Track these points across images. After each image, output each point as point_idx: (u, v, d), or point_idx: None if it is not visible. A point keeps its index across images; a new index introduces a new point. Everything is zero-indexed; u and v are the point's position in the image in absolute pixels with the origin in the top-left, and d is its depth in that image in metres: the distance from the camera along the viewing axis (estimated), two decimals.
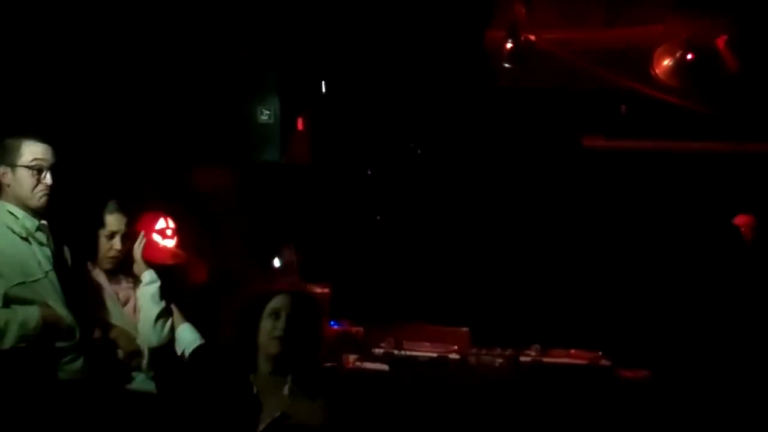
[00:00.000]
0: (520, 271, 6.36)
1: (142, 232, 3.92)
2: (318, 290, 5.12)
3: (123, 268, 3.81)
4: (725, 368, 5.03)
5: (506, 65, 5.12)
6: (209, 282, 5.34)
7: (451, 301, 6.04)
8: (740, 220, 5.37)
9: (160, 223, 5.45)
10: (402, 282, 6.23)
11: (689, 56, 4.97)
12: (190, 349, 3.94)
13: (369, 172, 6.17)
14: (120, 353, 3.65)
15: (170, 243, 5.43)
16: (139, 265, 3.82)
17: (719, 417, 4.81)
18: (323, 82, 5.42)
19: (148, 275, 3.81)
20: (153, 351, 3.71)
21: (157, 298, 3.78)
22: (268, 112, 5.11)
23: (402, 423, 4.78)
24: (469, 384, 5.17)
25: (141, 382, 3.73)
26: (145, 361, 3.71)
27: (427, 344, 5.50)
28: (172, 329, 3.82)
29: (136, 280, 3.82)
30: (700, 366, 5.09)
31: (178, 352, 3.92)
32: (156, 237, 5.36)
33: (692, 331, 5.39)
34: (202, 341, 3.99)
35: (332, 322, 5.55)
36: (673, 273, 5.94)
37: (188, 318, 4.06)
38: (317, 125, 5.57)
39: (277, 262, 5.65)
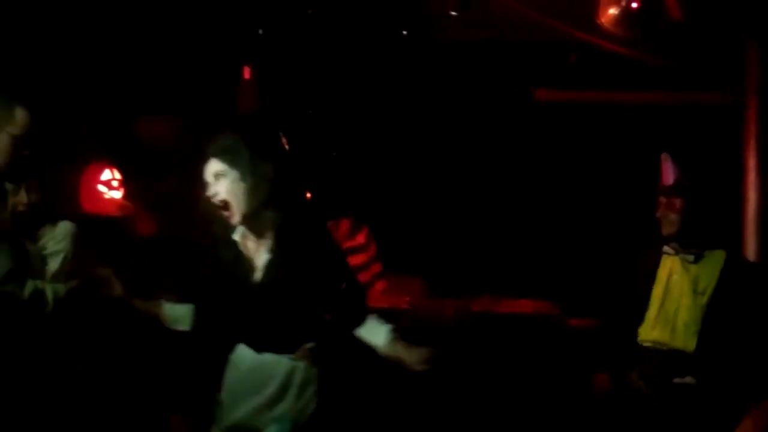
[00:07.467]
0: (474, 222, 6.38)
1: None
2: None
3: None
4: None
5: (452, 13, 5.08)
6: (157, 233, 5.34)
7: (406, 249, 6.05)
8: None
9: (106, 174, 5.44)
10: None
11: (634, 4, 4.91)
12: None
13: (310, 112, 6.11)
14: None
15: (117, 194, 5.43)
16: None
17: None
18: (265, 31, 5.39)
19: None
20: None
21: None
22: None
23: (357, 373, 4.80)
24: (419, 336, 5.20)
25: None
26: None
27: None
28: None
29: None
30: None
31: None
32: (102, 188, 5.37)
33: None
34: None
35: None
36: (622, 225, 5.99)
37: (137, 269, 3.91)
38: (263, 74, 5.53)
39: None
